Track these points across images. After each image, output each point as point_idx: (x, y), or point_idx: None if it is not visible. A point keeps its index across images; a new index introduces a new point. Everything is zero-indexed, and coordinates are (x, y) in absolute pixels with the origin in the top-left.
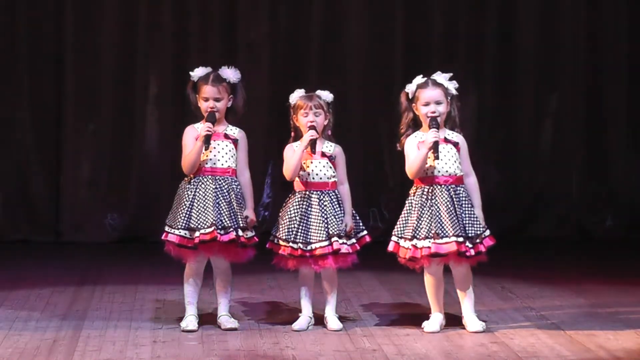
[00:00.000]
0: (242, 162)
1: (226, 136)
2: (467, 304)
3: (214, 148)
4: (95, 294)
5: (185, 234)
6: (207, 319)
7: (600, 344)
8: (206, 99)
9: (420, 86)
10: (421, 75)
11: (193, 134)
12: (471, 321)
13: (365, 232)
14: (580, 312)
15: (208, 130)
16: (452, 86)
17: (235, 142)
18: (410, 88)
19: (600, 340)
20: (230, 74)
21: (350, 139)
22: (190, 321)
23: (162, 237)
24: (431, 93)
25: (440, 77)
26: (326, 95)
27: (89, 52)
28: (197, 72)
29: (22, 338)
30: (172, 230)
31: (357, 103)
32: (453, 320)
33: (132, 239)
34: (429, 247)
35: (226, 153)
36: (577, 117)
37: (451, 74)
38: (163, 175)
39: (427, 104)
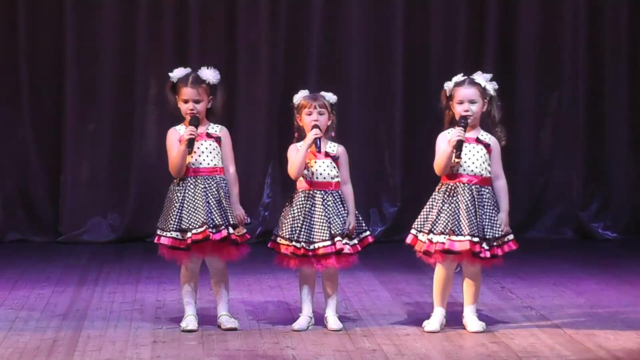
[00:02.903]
0: (228, 159)
1: (208, 135)
2: (470, 304)
3: (198, 148)
4: (95, 294)
5: (177, 235)
6: (207, 319)
7: (600, 344)
8: (186, 101)
9: (457, 84)
10: (461, 74)
11: (176, 136)
12: (471, 321)
13: (367, 232)
14: (580, 312)
15: (191, 134)
16: (491, 87)
17: (218, 140)
18: (448, 85)
19: (600, 340)
20: (210, 74)
21: (350, 139)
22: (190, 321)
23: (155, 241)
24: (466, 91)
25: (480, 77)
26: (330, 96)
27: (89, 52)
28: (176, 73)
29: (22, 338)
30: (164, 233)
31: (357, 103)
32: (453, 320)
33: (132, 239)
34: (443, 243)
35: (210, 152)
36: (577, 117)
37: (491, 75)
38: (163, 175)
39: (461, 102)
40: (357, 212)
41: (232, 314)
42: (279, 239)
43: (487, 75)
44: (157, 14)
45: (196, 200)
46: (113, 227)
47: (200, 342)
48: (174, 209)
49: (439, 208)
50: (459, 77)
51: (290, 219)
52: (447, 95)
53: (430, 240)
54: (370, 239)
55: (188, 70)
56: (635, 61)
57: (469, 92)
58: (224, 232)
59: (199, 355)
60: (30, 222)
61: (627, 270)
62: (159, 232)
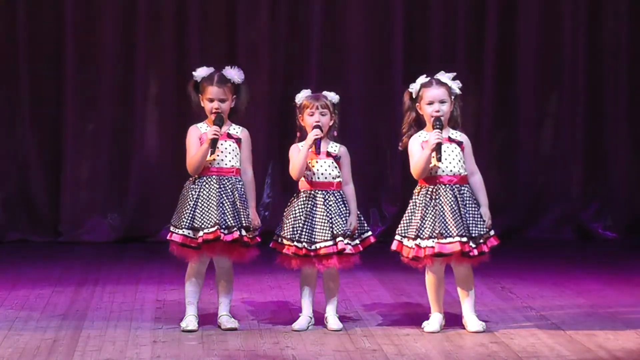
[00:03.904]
0: (246, 161)
1: (229, 136)
2: (467, 303)
3: (217, 148)
4: (95, 294)
5: (189, 233)
6: (207, 319)
7: (600, 344)
8: (211, 100)
9: (424, 85)
10: (425, 75)
11: (197, 133)
12: (471, 321)
13: (369, 232)
14: (580, 312)
15: (215, 133)
16: (456, 85)
17: (238, 141)
18: (414, 87)
19: (600, 340)
20: (235, 74)
21: (350, 139)
22: (190, 321)
23: (167, 237)
24: (435, 92)
25: (444, 76)
26: (332, 96)
27: (89, 52)
28: (200, 72)
29: (22, 338)
30: (176, 230)
31: (357, 103)
32: (453, 320)
33: (132, 239)
34: (432, 247)
35: (230, 153)
36: (577, 117)
37: (455, 74)
38: (163, 175)
39: (431, 103)
40: (358, 212)
41: (232, 314)
42: (280, 239)
43: (451, 75)
44: (157, 14)
45: (210, 200)
46: (113, 227)
47: (200, 342)
48: (188, 206)
49: (422, 212)
50: (423, 78)
51: (292, 219)
52: (413, 97)
53: (418, 246)
54: (372, 239)
55: (212, 69)
56: (635, 61)
57: (438, 92)
58: (236, 234)
59: (199, 355)
60: (30, 222)
61: (627, 270)
62: (171, 228)
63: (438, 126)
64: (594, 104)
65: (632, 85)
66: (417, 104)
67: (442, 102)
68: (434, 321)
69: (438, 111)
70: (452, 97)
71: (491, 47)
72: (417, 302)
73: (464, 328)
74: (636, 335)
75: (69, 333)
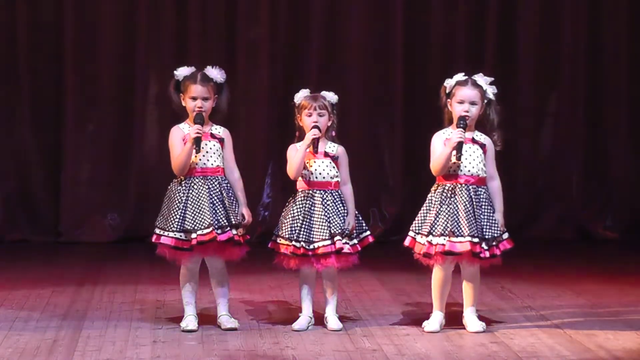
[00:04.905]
0: (231, 161)
1: (212, 136)
2: (470, 304)
3: (202, 148)
4: (95, 294)
5: (181, 235)
6: (207, 319)
7: (600, 344)
8: (194, 98)
9: (459, 83)
10: (463, 73)
11: (179, 134)
12: (471, 321)
13: (368, 232)
14: (580, 312)
15: (198, 133)
16: (491, 90)
17: (221, 141)
18: (449, 83)
19: (600, 340)
20: (217, 74)
21: (350, 139)
22: (190, 321)
23: (154, 240)
24: (468, 92)
25: (482, 79)
26: (331, 97)
27: (89, 52)
28: (182, 71)
29: (22, 338)
30: (166, 233)
31: (357, 103)
32: (453, 320)
33: (132, 239)
34: (443, 245)
35: (214, 153)
36: (577, 117)
37: (492, 79)
38: (163, 175)
39: (461, 102)
40: (357, 212)
41: (232, 314)
42: (279, 239)
43: (488, 79)
44: (157, 14)
45: (201, 201)
46: (113, 227)
47: (200, 342)
48: (176, 208)
49: (437, 209)
50: (460, 76)
51: (290, 219)
52: (447, 92)
53: (429, 243)
54: (370, 239)
55: (193, 69)
56: (635, 61)
57: (471, 93)
58: (230, 233)
59: (199, 355)
60: (30, 222)
61: (627, 270)
62: (158, 231)
63: (462, 125)
64: (594, 103)
65: (632, 85)
66: (449, 100)
67: (472, 103)
68: (434, 321)
69: (467, 111)
70: (485, 101)
71: (491, 47)
72: (417, 302)
73: (464, 328)
74: (636, 335)
75: (69, 333)
